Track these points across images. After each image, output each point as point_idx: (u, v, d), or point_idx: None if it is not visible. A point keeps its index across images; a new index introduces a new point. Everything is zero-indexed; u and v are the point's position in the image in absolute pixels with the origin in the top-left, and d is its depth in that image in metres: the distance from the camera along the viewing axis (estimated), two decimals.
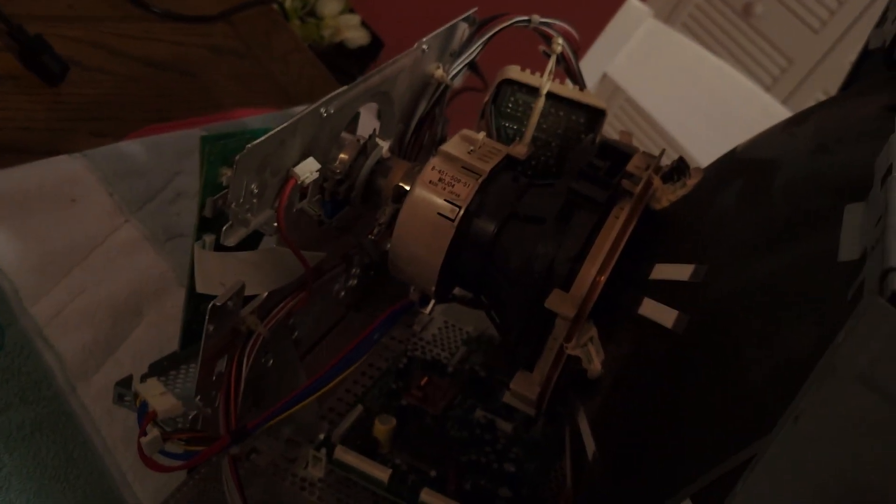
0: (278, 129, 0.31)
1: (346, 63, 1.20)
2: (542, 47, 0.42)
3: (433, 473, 0.39)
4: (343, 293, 0.46)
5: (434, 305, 0.38)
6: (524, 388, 0.34)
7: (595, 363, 0.32)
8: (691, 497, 0.25)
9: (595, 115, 0.40)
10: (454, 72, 0.44)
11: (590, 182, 0.34)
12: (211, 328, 0.33)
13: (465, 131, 0.38)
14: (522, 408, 0.37)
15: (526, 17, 0.44)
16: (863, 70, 0.40)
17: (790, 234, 0.27)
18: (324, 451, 0.39)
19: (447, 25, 0.44)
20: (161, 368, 0.40)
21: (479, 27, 0.45)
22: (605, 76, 0.80)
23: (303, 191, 0.37)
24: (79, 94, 0.58)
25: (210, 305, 0.33)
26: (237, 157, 0.29)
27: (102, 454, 0.41)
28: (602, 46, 0.80)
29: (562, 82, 0.44)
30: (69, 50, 0.60)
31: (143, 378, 0.37)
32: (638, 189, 0.33)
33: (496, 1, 0.48)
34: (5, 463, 0.39)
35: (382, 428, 0.40)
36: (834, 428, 0.19)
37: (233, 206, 0.31)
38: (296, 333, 0.42)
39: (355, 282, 0.47)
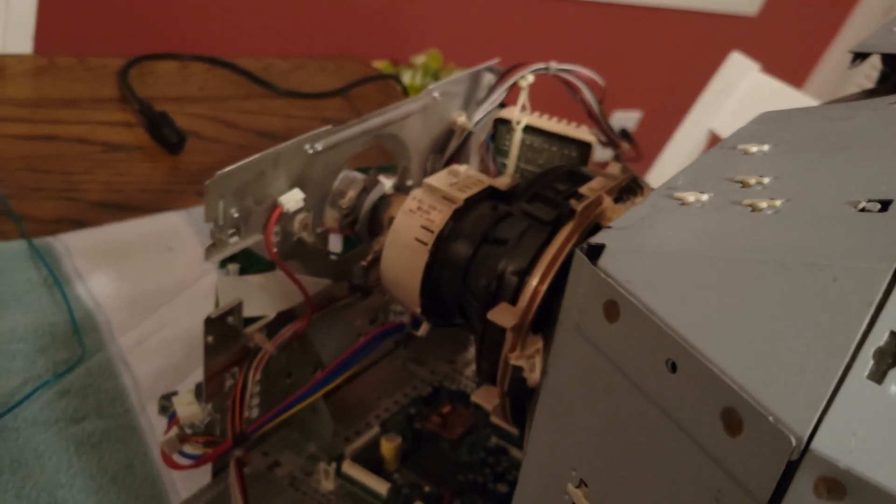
0: (250, 159, 0.35)
1: None
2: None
3: (427, 489, 0.41)
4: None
5: (427, 328, 0.41)
6: (484, 400, 0.36)
7: (536, 373, 0.33)
8: None
9: (585, 148, 0.42)
10: (477, 118, 0.47)
11: (542, 203, 0.36)
12: (210, 339, 0.38)
13: (454, 166, 0.41)
14: (506, 426, 0.39)
15: (544, 65, 0.47)
16: None
17: None
18: (334, 465, 0.43)
19: (466, 72, 0.47)
20: None
21: (502, 76, 0.48)
22: (710, 132, 0.80)
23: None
24: (194, 162, 0.67)
25: (205, 319, 0.37)
26: (206, 183, 0.34)
27: (157, 463, 0.47)
28: (707, 102, 0.80)
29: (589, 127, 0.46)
30: (192, 124, 0.69)
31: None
32: (580, 207, 0.34)
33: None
34: (73, 464, 0.45)
35: (388, 446, 0.43)
36: (566, 375, 0.20)
37: (211, 227, 0.35)
38: (322, 358, 0.46)
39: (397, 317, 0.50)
